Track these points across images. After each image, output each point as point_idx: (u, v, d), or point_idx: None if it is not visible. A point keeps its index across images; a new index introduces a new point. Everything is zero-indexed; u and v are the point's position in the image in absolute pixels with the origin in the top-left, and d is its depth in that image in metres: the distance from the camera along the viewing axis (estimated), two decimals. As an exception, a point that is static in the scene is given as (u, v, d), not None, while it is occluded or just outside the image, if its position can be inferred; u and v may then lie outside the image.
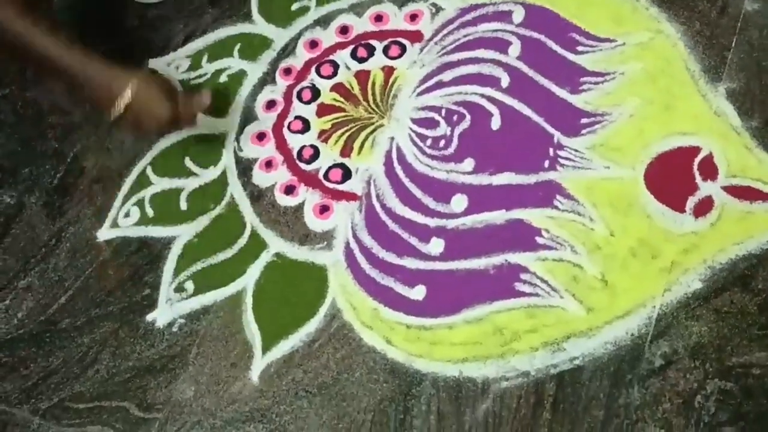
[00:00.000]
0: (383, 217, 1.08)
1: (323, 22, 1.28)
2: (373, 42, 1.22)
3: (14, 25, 1.01)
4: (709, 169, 0.98)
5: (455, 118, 1.12)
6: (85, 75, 1.04)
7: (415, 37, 1.21)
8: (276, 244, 1.11)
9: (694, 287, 0.93)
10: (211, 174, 1.19)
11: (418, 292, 1.02)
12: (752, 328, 0.89)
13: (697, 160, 0.99)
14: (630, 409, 0.89)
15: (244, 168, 1.19)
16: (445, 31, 1.19)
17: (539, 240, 1.00)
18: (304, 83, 1.23)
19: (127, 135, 1.11)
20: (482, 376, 0.95)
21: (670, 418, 0.87)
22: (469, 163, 1.08)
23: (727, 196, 0.96)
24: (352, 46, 1.24)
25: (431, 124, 1.13)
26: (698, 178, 0.98)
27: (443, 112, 1.13)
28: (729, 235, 0.94)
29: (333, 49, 1.25)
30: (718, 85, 1.03)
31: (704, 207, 0.97)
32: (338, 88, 1.21)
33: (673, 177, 0.99)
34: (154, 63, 1.33)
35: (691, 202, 0.97)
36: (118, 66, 1.09)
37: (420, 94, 1.16)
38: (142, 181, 1.22)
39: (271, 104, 1.23)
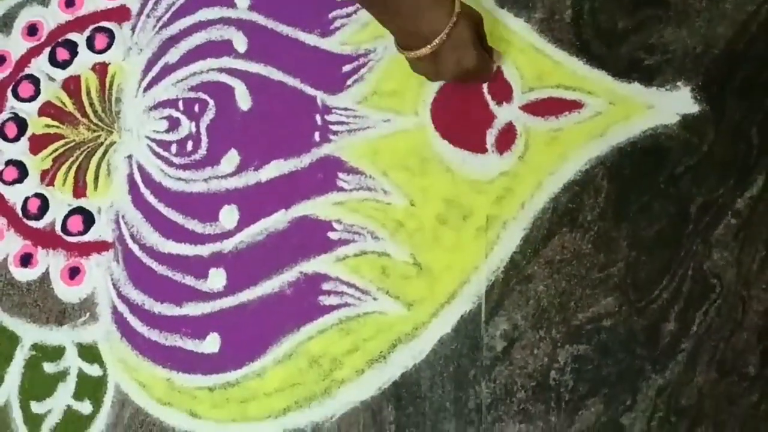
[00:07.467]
0: (146, 260, 0.88)
1: (4, 25, 1.01)
2: (73, 36, 0.97)
3: None
4: (502, 89, 0.82)
5: (197, 108, 0.91)
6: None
7: (121, 15, 0.97)
8: (30, 334, 0.90)
9: (518, 240, 0.79)
10: None
11: (211, 343, 0.84)
12: (592, 272, 0.77)
13: (485, 82, 0.83)
14: (482, 410, 0.76)
15: (-39, 248, 0.95)
16: (154, -2, 0.96)
17: (332, 235, 0.83)
18: (4, 115, 0.97)
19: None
20: (310, 423, 0.80)
21: (528, 408, 0.76)
22: (227, 163, 0.88)
23: (528, 116, 0.81)
24: (48, 49, 0.98)
25: (171, 124, 0.91)
26: (492, 104, 0.83)
27: (181, 104, 0.91)
28: (541, 165, 0.80)
29: (26, 59, 0.99)
30: (487, -23, 0.85)
31: (507, 138, 0.81)
32: (47, 109, 0.96)
33: (464, 110, 0.83)
34: None
35: (491, 136, 0.82)
36: None
37: (147, 88, 0.93)
38: None
39: (-28, 154, 0.98)
